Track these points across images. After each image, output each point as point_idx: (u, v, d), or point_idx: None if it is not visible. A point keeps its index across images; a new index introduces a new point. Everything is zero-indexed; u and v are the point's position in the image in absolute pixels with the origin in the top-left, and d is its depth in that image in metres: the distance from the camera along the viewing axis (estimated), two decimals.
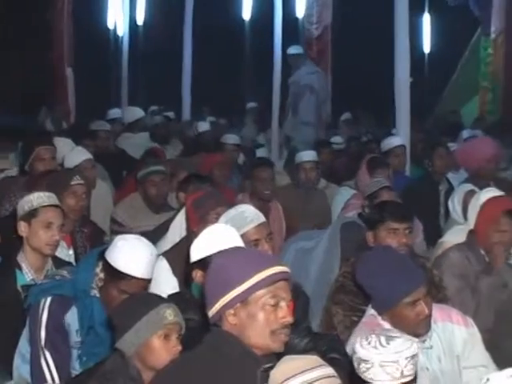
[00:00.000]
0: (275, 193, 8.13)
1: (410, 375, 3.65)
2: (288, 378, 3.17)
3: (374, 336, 3.69)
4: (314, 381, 3.18)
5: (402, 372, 3.63)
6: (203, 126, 12.50)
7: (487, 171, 8.73)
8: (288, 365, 3.22)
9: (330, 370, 3.27)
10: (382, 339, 3.66)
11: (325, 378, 3.20)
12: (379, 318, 4.58)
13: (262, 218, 5.10)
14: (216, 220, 5.29)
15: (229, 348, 3.41)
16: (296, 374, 3.17)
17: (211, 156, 9.41)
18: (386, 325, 4.51)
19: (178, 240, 5.76)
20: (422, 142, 11.40)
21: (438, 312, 4.68)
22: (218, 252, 3.58)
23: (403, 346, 3.68)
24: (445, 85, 18.15)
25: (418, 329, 4.51)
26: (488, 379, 2.81)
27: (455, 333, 4.71)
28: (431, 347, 4.61)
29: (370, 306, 4.68)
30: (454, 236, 6.57)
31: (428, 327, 4.55)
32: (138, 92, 15.77)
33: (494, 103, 18.11)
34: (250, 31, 13.83)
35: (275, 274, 3.40)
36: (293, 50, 14.57)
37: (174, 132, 12.88)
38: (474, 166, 8.96)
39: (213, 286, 3.46)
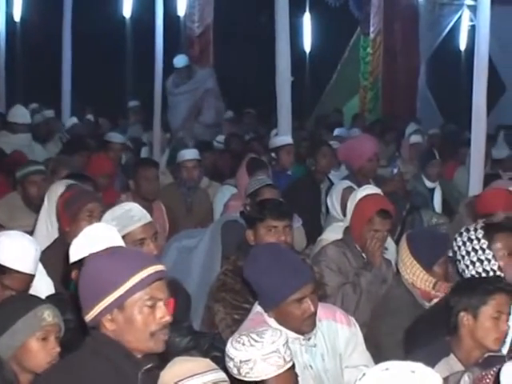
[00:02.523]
0: (159, 192, 8.11)
1: (290, 360, 3.77)
2: (179, 381, 3.18)
3: (243, 336, 3.74)
4: None
5: (284, 359, 3.72)
6: (71, 121, 12.60)
7: (368, 169, 8.82)
8: (179, 367, 3.23)
9: (221, 375, 3.30)
10: (254, 336, 3.71)
11: (220, 382, 3.22)
12: (265, 315, 4.58)
13: (149, 218, 5.10)
14: (88, 218, 5.27)
15: (109, 351, 3.35)
16: (187, 377, 3.18)
17: (96, 156, 9.33)
18: (272, 322, 4.52)
19: (43, 239, 5.71)
20: (305, 141, 11.50)
21: (323, 310, 4.70)
22: (91, 254, 3.50)
23: (276, 335, 3.76)
24: (326, 84, 18.32)
25: (304, 326, 4.53)
26: (364, 374, 2.86)
27: (338, 332, 4.74)
28: (315, 345, 4.63)
29: (256, 303, 4.68)
30: (333, 233, 6.65)
31: (313, 325, 4.57)
32: (16, 89, 15.56)
33: (374, 102, 18.37)
34: (132, 29, 13.78)
35: (150, 275, 3.33)
36: (181, 62, 14.65)
37: (55, 130, 12.77)
38: (356, 163, 9.04)
39: (88, 290, 3.38)
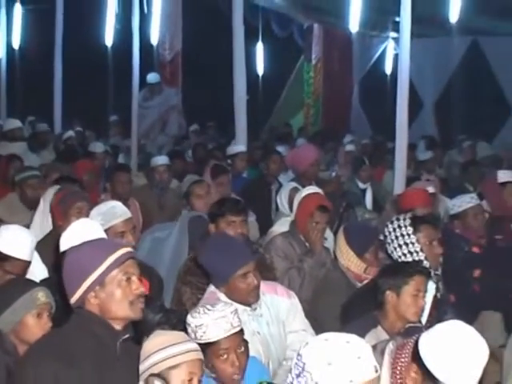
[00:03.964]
0: (131, 192, 8.05)
1: (238, 326, 3.78)
2: (159, 349, 3.16)
3: (200, 308, 3.78)
4: (182, 353, 3.17)
5: (231, 324, 3.74)
6: (68, 134, 12.59)
7: (310, 173, 8.85)
8: (159, 338, 3.21)
9: (194, 345, 3.28)
10: (208, 306, 3.76)
11: (190, 351, 3.21)
12: (218, 292, 4.60)
13: (129, 214, 5.10)
14: (78, 214, 5.25)
15: (91, 324, 3.37)
16: (166, 347, 3.16)
17: (83, 162, 9.29)
18: (223, 297, 4.54)
19: (38, 232, 5.70)
20: (259, 149, 11.49)
21: (266, 287, 4.75)
22: (70, 247, 3.52)
23: (225, 305, 3.80)
24: (276, 101, 18.34)
25: (250, 297, 4.55)
26: (307, 343, 2.86)
27: (280, 303, 4.77)
28: (261, 315, 4.65)
29: (210, 284, 4.70)
30: (281, 226, 6.66)
31: (257, 296, 4.59)
32: (16, 105, 15.47)
33: (316, 117, 18.41)
34: (112, 56, 13.71)
35: (122, 255, 3.39)
36: (153, 79, 14.64)
37: (48, 140, 12.73)
38: (300, 168, 9.07)
39: (71, 276, 3.41)
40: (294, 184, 7.58)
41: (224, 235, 5.17)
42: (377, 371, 2.82)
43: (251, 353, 4.16)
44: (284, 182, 8.87)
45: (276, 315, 4.73)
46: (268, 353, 4.63)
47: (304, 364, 2.80)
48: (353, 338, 2.84)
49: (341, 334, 2.85)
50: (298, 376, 2.81)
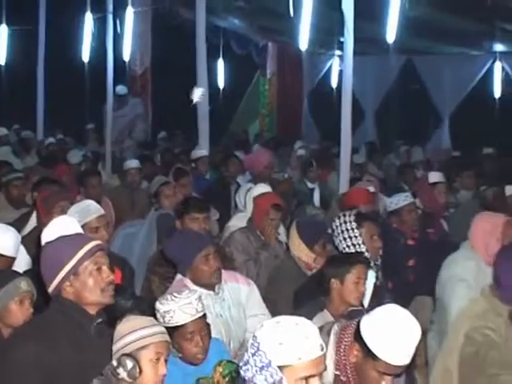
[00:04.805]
0: (102, 193, 7.96)
1: (202, 311, 3.78)
2: (130, 332, 3.15)
3: (167, 295, 3.77)
4: (150, 335, 3.17)
5: (196, 309, 3.73)
6: (49, 140, 12.58)
7: (265, 174, 8.87)
8: (130, 322, 3.21)
9: (161, 329, 3.27)
10: (174, 293, 3.76)
11: (157, 334, 3.21)
12: (184, 279, 4.60)
13: (102, 211, 5.09)
14: (60, 211, 5.22)
15: (69, 310, 3.37)
16: (136, 329, 3.16)
17: (62, 166, 9.23)
18: (189, 283, 4.56)
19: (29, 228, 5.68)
20: (219, 153, 11.47)
21: (228, 276, 4.78)
22: (46, 243, 3.51)
23: (190, 293, 3.79)
24: (235, 111, 18.34)
25: (213, 279, 4.57)
26: (262, 325, 2.87)
27: (240, 289, 4.80)
28: (224, 300, 4.67)
29: (177, 273, 4.69)
30: (236, 221, 6.67)
31: (220, 278, 4.61)
32: (2, 115, 15.32)
33: (270, 125, 18.45)
34: (89, 70, 13.62)
35: (92, 247, 3.41)
36: (121, 91, 14.57)
37: (31, 146, 12.64)
38: (256, 170, 9.09)
39: (48, 267, 3.41)
40: (250, 185, 7.58)
41: (184, 229, 5.23)
42: (323, 349, 2.83)
43: (214, 333, 4.19)
44: (242, 182, 8.87)
45: (237, 300, 4.75)
46: (229, 333, 4.64)
47: (259, 344, 2.81)
48: (301, 320, 2.85)
49: (291, 317, 2.86)
50: (253, 355, 2.82)
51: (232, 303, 4.71)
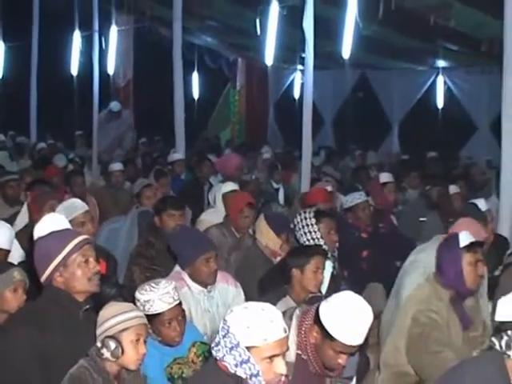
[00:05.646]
0: (86, 191, 7.91)
1: (178, 299, 3.76)
2: (113, 316, 3.15)
3: (146, 285, 3.74)
4: (130, 319, 3.17)
5: (173, 298, 3.71)
6: (40, 145, 12.44)
7: (235, 176, 8.86)
8: (113, 307, 3.20)
9: (140, 313, 3.28)
10: (152, 284, 3.73)
11: (137, 317, 3.20)
12: (183, 272, 4.56)
13: (87, 208, 5.07)
14: (50, 209, 5.16)
15: (59, 297, 3.36)
16: (118, 314, 3.16)
17: (52, 168, 9.17)
18: (186, 277, 4.53)
19: (22, 224, 5.62)
20: (194, 156, 11.44)
21: (220, 276, 4.71)
22: (38, 237, 3.49)
23: (167, 283, 3.75)
24: (208, 119, 18.31)
25: (209, 279, 4.54)
26: (232, 310, 2.88)
27: (229, 290, 4.75)
28: (213, 297, 4.63)
29: (176, 265, 4.65)
30: (206, 215, 6.65)
31: (215, 279, 4.57)
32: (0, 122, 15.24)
33: (240, 132, 18.44)
34: (77, 83, 13.54)
35: (80, 241, 3.40)
36: (115, 107, 14.54)
37: (25, 151, 12.54)
38: (227, 172, 9.09)
39: (40, 260, 3.40)
40: (222, 185, 7.56)
41: (192, 228, 5.15)
42: (286, 332, 2.84)
43: (200, 326, 4.26)
44: (214, 183, 8.85)
45: (225, 299, 4.71)
46: (214, 328, 4.58)
47: (228, 327, 2.81)
48: (267, 305, 2.86)
49: (258, 303, 2.88)
50: (224, 336, 2.83)
51: (221, 301, 4.67)
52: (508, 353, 3.04)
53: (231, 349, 2.81)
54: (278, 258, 5.35)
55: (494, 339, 3.09)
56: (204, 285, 4.56)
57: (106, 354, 3.11)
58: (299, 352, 3.42)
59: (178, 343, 3.79)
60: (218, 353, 2.86)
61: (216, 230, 6.14)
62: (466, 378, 3.03)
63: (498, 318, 3.09)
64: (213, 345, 2.90)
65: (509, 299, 3.10)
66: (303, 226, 5.30)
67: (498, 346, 3.06)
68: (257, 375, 2.80)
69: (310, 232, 5.25)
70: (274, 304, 3.83)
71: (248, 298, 4.77)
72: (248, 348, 2.79)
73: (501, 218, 6.50)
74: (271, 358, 2.81)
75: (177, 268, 4.63)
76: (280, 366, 2.82)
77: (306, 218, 5.32)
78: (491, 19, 8.69)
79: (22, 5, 13.61)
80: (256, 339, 2.78)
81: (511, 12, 6.17)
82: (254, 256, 5.49)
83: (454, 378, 3.09)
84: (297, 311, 3.57)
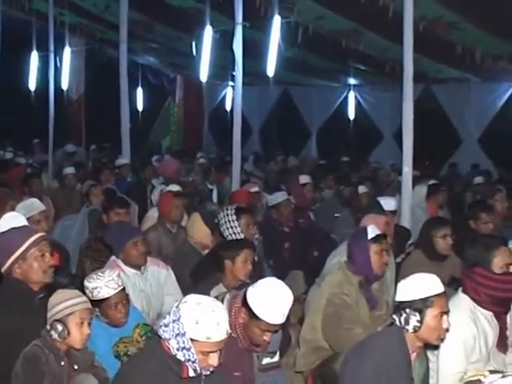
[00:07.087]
0: (43, 192, 7.74)
1: (122, 285, 3.74)
2: (60, 302, 3.14)
3: (93, 275, 3.71)
4: (75, 304, 3.16)
5: (118, 284, 3.70)
6: (8, 155, 12.22)
7: (174, 178, 8.84)
8: (60, 294, 3.18)
9: (84, 299, 3.26)
10: (99, 273, 3.72)
11: (81, 303, 3.19)
12: (117, 260, 4.54)
13: (43, 207, 5.06)
14: (10, 209, 5.07)
15: (17, 287, 3.36)
16: (65, 300, 3.15)
17: (12, 172, 9.02)
18: (121, 263, 4.51)
19: None
20: (139, 161, 11.32)
21: (151, 261, 4.71)
22: (0, 233, 3.47)
23: (111, 271, 3.76)
24: (150, 129, 18.15)
25: (140, 261, 4.55)
26: (186, 300, 2.84)
27: (161, 272, 4.75)
28: (147, 279, 4.62)
29: (112, 255, 4.62)
30: (154, 213, 6.58)
31: (145, 260, 4.58)
32: None
33: (178, 139, 18.37)
34: (35, 96, 13.24)
35: (37, 238, 3.42)
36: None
37: None
38: (167, 175, 9.06)
39: (1, 253, 3.40)
40: (163, 186, 7.53)
41: (120, 221, 5.20)
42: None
43: (137, 305, 4.22)
44: (156, 184, 8.79)
45: (157, 281, 4.70)
46: (149, 306, 4.59)
47: (180, 316, 2.79)
48: (218, 307, 2.84)
49: (211, 303, 2.84)
50: (173, 321, 2.81)
51: (153, 282, 4.66)
52: (406, 327, 3.12)
53: (177, 335, 2.79)
54: (206, 251, 5.33)
55: (394, 316, 3.16)
56: (137, 267, 4.55)
57: (54, 335, 3.12)
58: (229, 331, 3.42)
59: (123, 324, 3.76)
60: (164, 333, 2.84)
61: (151, 232, 5.92)
62: (374, 348, 3.10)
63: (398, 298, 3.16)
64: (161, 324, 2.87)
65: (406, 282, 3.17)
66: (225, 222, 5.27)
67: (397, 322, 3.14)
68: (194, 362, 2.81)
69: (231, 227, 5.22)
70: (209, 290, 3.85)
71: (183, 287, 4.77)
72: (192, 340, 2.78)
73: (402, 212, 6.64)
74: (209, 352, 2.82)
75: (112, 258, 4.62)
76: (214, 360, 2.83)
77: (227, 215, 5.28)
78: (394, 44, 8.87)
79: None
80: (201, 336, 2.77)
81: (409, 40, 6.55)
82: (185, 250, 5.46)
83: (362, 350, 3.15)
84: (227, 296, 3.57)
